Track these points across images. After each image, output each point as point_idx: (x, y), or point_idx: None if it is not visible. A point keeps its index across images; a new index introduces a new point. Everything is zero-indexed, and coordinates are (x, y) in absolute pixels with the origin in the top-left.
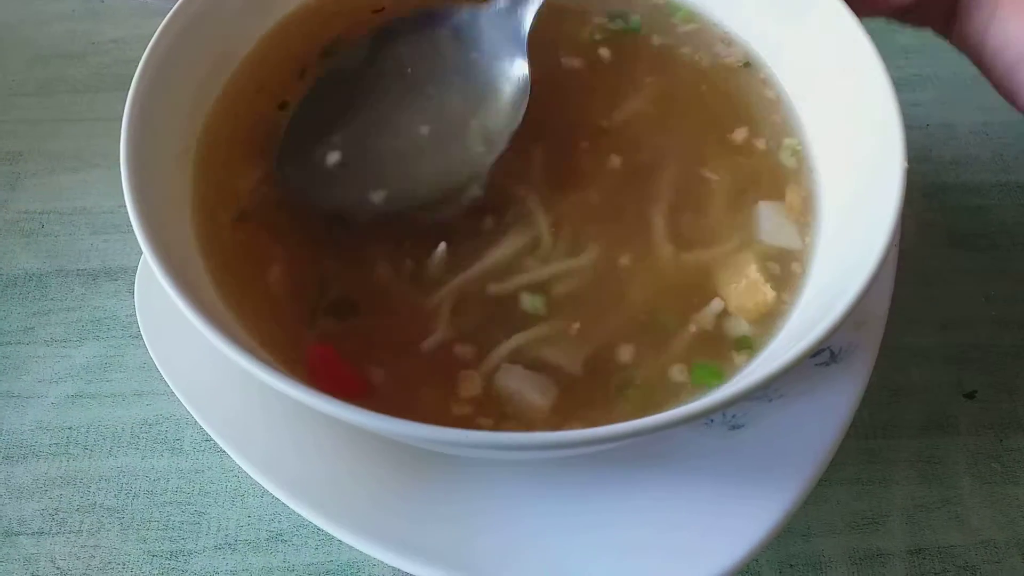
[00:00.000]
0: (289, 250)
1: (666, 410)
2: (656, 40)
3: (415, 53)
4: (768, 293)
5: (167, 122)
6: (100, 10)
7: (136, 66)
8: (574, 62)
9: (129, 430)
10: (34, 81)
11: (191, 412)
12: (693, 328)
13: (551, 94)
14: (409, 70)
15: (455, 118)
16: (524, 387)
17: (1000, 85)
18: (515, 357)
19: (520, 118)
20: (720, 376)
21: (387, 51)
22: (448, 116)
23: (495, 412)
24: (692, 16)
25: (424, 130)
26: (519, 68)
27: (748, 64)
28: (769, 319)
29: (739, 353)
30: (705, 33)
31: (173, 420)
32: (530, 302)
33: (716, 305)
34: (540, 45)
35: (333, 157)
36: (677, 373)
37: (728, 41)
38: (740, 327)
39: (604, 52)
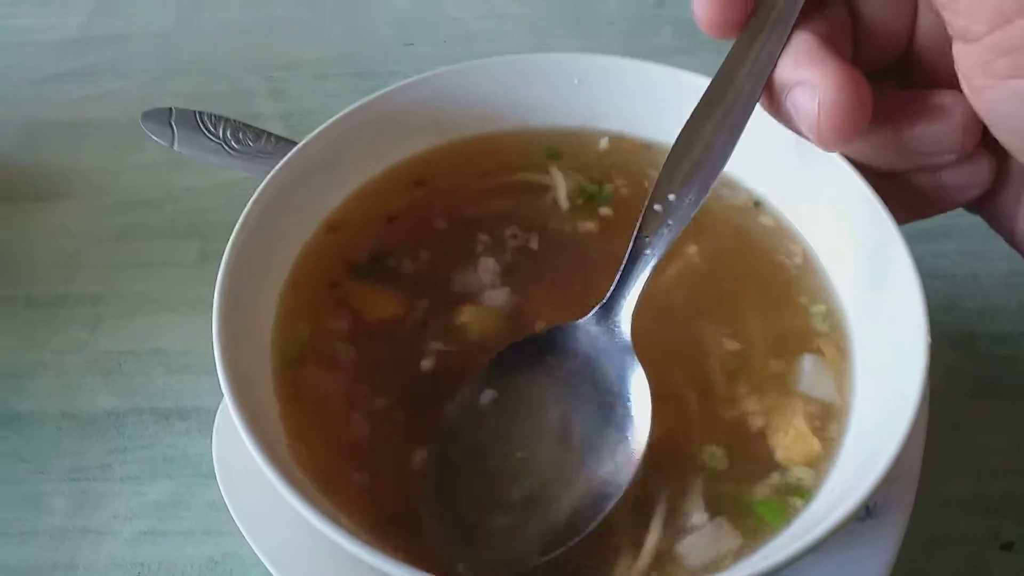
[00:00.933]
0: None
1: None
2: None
3: (530, 391)
4: (815, 444)
5: (256, 283)
6: (177, 161)
7: (208, 214)
8: (574, 230)
9: (197, 568)
10: (115, 228)
11: (266, 564)
12: (748, 478)
13: (559, 269)
14: (528, 412)
15: (587, 442)
16: None
17: None
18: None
19: (649, 422)
20: (783, 519)
21: (502, 399)
22: (579, 443)
23: None
24: None
25: (561, 468)
26: (635, 376)
27: (758, 204)
28: (814, 470)
29: (795, 498)
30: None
31: (238, 559)
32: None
33: (769, 456)
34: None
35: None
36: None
37: (732, 185)
38: (788, 476)
39: (606, 214)
